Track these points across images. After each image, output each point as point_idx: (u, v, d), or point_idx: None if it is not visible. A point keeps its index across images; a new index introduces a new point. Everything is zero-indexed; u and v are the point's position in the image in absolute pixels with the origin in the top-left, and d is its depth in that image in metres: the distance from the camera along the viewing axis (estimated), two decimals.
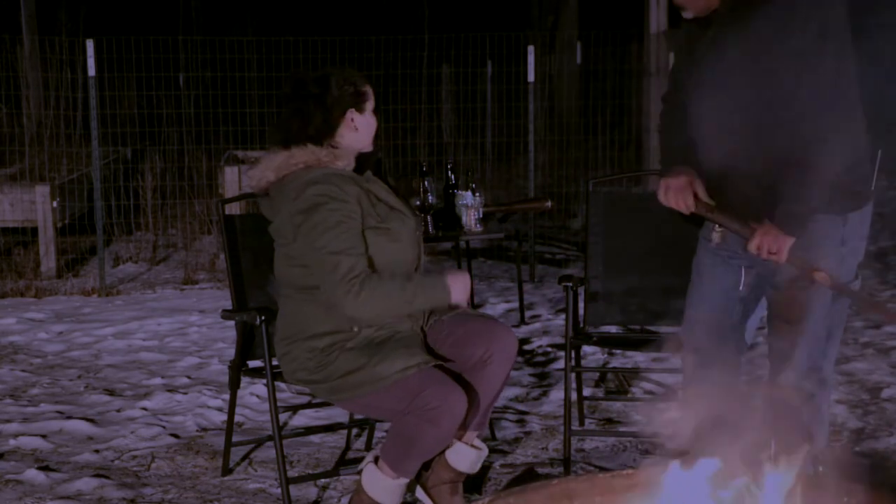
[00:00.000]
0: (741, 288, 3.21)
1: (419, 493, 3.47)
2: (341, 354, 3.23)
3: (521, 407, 4.76)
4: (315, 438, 4.31)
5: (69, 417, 4.59)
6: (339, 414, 4.45)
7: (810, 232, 2.97)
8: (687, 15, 3.08)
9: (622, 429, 4.38)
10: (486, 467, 3.99)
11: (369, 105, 3.34)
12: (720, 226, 3.11)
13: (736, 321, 3.24)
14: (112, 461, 4.09)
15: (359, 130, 3.32)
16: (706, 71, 3.02)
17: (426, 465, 3.45)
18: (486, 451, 3.50)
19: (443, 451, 3.43)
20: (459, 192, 4.87)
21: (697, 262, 3.30)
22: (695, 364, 3.25)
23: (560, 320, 6.30)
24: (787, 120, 2.89)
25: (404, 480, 3.29)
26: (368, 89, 3.34)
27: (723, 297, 3.23)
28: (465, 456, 3.45)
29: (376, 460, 3.30)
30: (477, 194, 4.88)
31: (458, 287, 3.28)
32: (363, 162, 3.34)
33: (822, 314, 3.07)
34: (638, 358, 5.32)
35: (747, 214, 3.01)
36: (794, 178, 2.91)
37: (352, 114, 3.30)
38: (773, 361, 3.18)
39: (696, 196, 3.08)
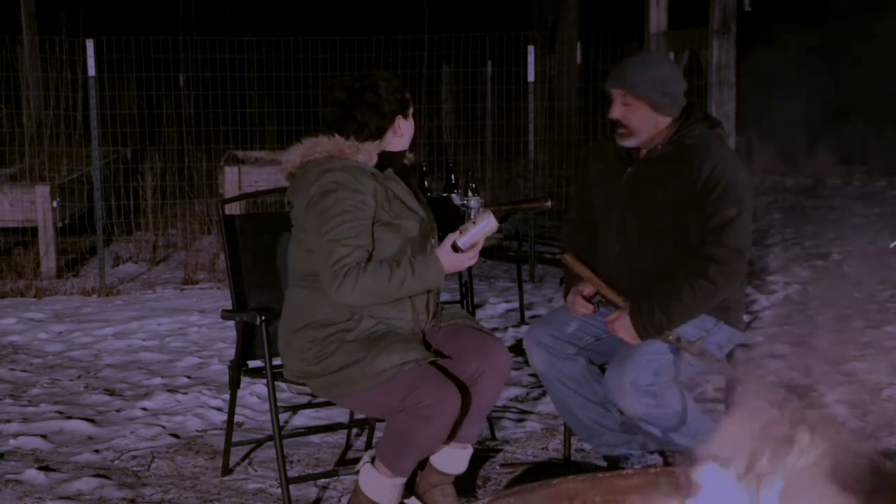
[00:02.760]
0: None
1: (413, 502, 3.47)
2: (340, 347, 3.23)
3: (521, 407, 4.76)
4: (315, 438, 4.31)
5: (69, 417, 4.58)
6: (339, 414, 4.45)
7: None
8: (629, 143, 3.58)
9: None
10: (486, 467, 3.99)
11: (411, 110, 3.42)
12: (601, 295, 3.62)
13: (581, 347, 3.66)
14: (112, 461, 4.09)
15: (403, 136, 3.39)
16: (625, 194, 3.60)
17: (422, 465, 3.45)
18: (471, 450, 3.49)
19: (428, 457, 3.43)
20: (461, 199, 4.80)
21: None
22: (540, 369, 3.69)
23: None
24: (677, 244, 3.49)
25: (401, 480, 3.29)
26: (409, 95, 3.41)
27: (575, 326, 3.67)
28: (450, 458, 3.44)
29: (373, 460, 3.30)
30: (477, 196, 4.85)
31: (451, 265, 3.25)
32: (386, 160, 3.37)
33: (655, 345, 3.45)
34: None
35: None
36: (669, 292, 3.40)
37: (399, 120, 3.36)
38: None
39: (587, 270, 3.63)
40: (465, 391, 3.25)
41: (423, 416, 3.11)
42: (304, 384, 3.43)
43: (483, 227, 3.19)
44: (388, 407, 3.20)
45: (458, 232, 3.20)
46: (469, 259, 3.24)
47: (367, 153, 3.30)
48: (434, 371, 3.19)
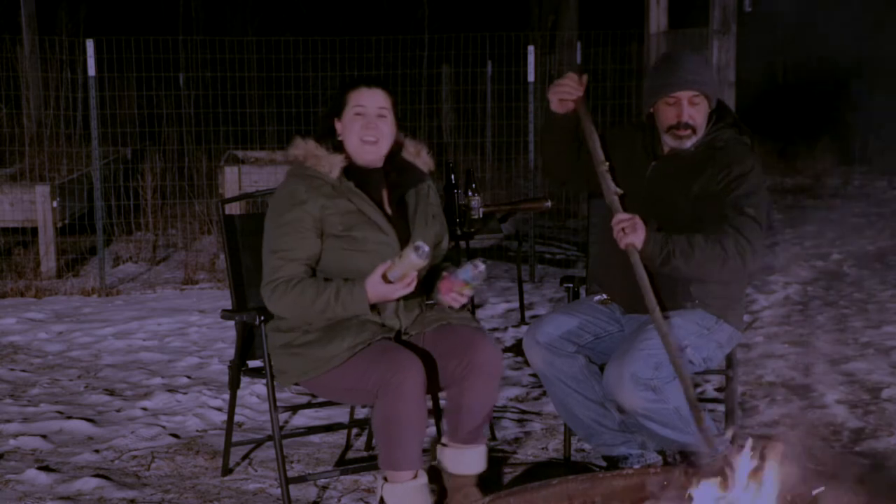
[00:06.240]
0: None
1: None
2: (302, 334, 3.33)
3: (521, 407, 4.76)
4: (315, 438, 4.31)
5: (69, 417, 4.59)
6: (339, 414, 4.45)
7: (687, 313, 3.48)
8: (689, 144, 3.55)
9: None
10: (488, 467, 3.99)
11: (347, 111, 3.38)
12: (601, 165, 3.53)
13: (581, 346, 3.62)
14: (112, 461, 4.09)
15: (342, 136, 3.41)
16: (645, 189, 3.59)
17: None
18: (482, 448, 3.43)
19: (438, 468, 3.42)
20: (463, 200, 4.76)
21: (579, 301, 3.81)
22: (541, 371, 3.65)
23: None
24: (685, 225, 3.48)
25: (421, 482, 3.24)
26: (350, 94, 3.39)
27: (575, 324, 3.62)
28: (457, 459, 3.40)
29: (384, 478, 3.27)
30: (477, 196, 4.85)
31: (378, 295, 3.21)
32: (352, 173, 3.37)
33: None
34: None
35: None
36: (688, 236, 3.40)
37: (336, 121, 3.42)
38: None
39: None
40: (430, 364, 3.28)
41: (392, 395, 3.11)
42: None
43: (407, 263, 3.15)
44: (357, 390, 3.23)
45: (389, 262, 3.19)
46: (401, 289, 3.19)
47: (329, 165, 3.34)
48: (389, 345, 3.24)
